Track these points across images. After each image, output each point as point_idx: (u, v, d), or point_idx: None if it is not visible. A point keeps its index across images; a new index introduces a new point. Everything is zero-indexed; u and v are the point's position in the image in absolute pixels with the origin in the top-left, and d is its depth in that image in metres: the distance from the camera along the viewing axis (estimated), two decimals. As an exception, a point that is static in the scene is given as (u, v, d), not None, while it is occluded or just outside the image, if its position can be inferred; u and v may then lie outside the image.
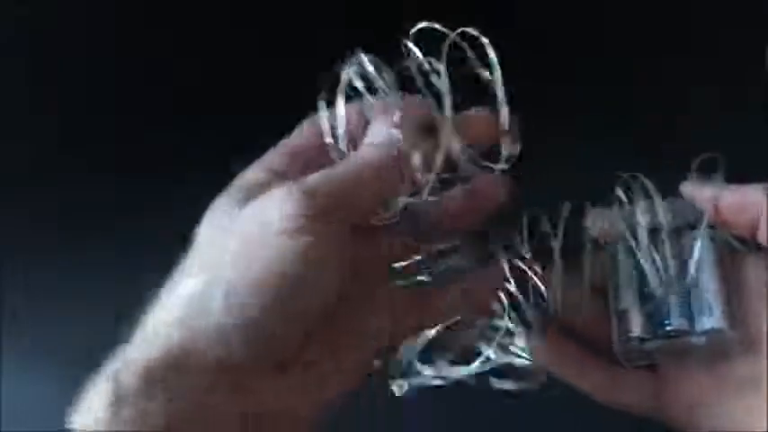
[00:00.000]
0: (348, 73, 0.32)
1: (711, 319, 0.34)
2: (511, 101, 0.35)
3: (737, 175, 0.53)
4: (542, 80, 0.57)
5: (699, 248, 0.36)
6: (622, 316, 0.36)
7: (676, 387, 0.36)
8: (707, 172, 0.37)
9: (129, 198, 0.58)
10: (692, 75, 0.56)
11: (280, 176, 0.30)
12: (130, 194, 0.58)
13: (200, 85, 0.59)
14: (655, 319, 0.35)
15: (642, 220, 0.37)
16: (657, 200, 0.37)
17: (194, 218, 0.57)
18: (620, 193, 0.38)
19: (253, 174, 0.32)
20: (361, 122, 0.31)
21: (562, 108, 0.56)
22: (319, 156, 0.31)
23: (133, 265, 0.56)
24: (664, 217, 0.36)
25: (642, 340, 0.35)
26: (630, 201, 0.38)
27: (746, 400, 0.33)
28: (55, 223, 0.58)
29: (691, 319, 0.35)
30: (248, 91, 0.59)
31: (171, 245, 0.57)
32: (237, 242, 0.28)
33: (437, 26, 0.33)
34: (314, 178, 0.28)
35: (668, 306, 0.35)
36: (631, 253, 0.37)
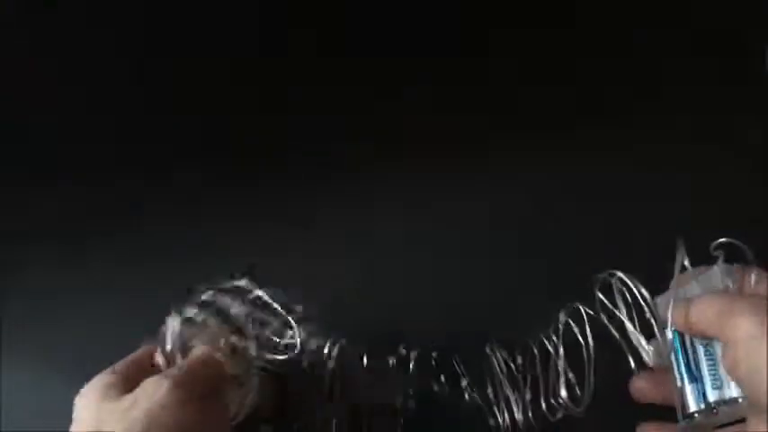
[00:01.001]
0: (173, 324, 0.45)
1: (737, 389, 0.36)
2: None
3: (737, 175, 0.54)
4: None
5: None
6: (681, 393, 0.39)
7: None
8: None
9: (128, 200, 0.58)
10: (692, 75, 0.56)
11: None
12: (130, 196, 0.58)
13: (200, 85, 0.59)
14: (701, 394, 0.38)
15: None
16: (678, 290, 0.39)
17: (194, 218, 0.58)
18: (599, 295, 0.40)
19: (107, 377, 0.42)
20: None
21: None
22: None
23: (133, 266, 0.56)
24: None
25: (697, 413, 0.38)
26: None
27: None
28: (55, 224, 0.58)
29: (722, 388, 0.37)
30: (249, 92, 0.59)
31: (170, 246, 0.57)
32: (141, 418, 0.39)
33: None
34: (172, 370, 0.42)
35: (706, 380, 0.38)
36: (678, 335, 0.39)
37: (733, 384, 0.36)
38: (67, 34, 0.59)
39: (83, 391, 0.42)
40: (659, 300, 0.39)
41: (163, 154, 0.58)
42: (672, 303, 0.38)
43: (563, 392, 0.42)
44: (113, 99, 0.60)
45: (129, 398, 0.40)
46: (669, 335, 0.39)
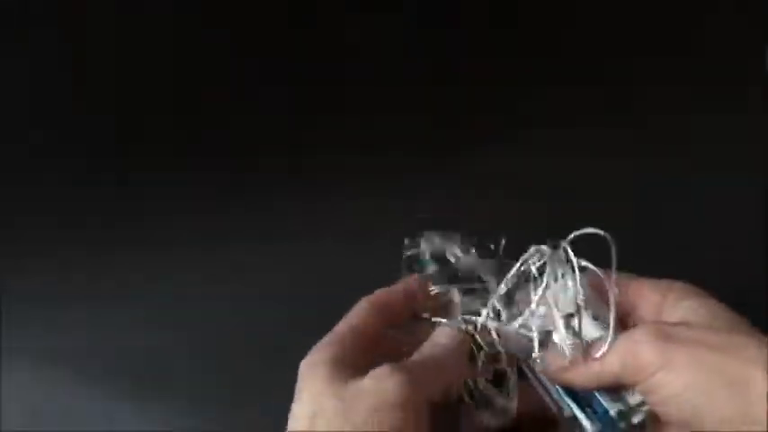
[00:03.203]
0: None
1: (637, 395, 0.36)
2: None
3: (737, 175, 0.54)
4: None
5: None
6: (573, 422, 0.38)
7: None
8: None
9: (129, 198, 0.58)
10: (692, 74, 0.56)
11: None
12: (131, 195, 0.58)
13: (200, 85, 0.59)
14: (596, 413, 0.37)
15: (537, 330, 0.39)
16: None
17: (193, 218, 0.58)
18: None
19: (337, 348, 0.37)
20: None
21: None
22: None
23: (133, 265, 0.56)
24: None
25: None
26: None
27: None
28: (55, 223, 0.58)
29: (622, 399, 0.37)
30: (250, 91, 0.59)
31: (171, 246, 0.57)
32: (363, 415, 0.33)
33: None
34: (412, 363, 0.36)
35: (599, 397, 0.37)
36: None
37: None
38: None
39: (310, 360, 0.36)
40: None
41: (164, 153, 0.58)
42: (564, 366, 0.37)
43: None
44: (114, 98, 0.60)
45: (354, 387, 0.34)
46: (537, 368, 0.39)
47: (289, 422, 0.34)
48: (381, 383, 0.33)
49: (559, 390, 0.38)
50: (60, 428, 0.51)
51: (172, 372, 0.52)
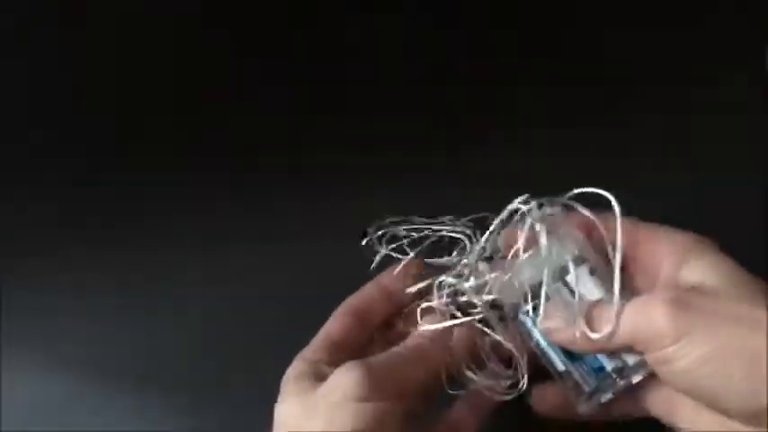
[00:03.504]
0: None
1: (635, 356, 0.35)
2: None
3: (737, 175, 0.54)
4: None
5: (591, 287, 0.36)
6: (566, 376, 0.37)
7: (646, 398, 0.37)
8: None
9: (129, 198, 0.58)
10: (692, 74, 0.56)
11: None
12: (131, 195, 0.58)
13: (200, 85, 0.59)
14: (591, 369, 0.36)
15: (526, 281, 0.36)
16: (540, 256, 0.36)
17: (193, 218, 0.58)
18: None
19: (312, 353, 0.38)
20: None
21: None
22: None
23: (133, 265, 0.56)
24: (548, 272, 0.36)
25: (595, 392, 0.36)
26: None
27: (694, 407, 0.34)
28: (55, 223, 0.58)
29: (619, 357, 0.35)
30: (249, 91, 0.59)
31: (171, 246, 0.57)
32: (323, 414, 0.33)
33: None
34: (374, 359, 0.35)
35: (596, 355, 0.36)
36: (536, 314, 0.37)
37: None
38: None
39: (287, 374, 0.36)
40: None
41: (164, 153, 0.58)
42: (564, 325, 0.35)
43: None
44: (114, 98, 0.60)
45: (320, 388, 0.34)
46: (522, 320, 0.37)
47: None
48: (340, 379, 0.33)
49: (548, 346, 0.37)
50: (60, 428, 0.51)
51: (172, 372, 0.52)
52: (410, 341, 0.37)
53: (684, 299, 0.32)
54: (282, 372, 0.38)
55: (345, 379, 0.33)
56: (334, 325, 0.39)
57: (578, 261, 0.36)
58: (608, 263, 0.36)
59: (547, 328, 0.36)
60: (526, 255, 0.36)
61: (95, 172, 0.59)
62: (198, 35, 0.58)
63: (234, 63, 0.59)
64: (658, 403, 0.36)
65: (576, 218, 0.37)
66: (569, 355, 0.36)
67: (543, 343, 0.37)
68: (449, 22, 0.58)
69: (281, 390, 0.36)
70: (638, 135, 0.55)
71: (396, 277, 0.40)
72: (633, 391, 0.36)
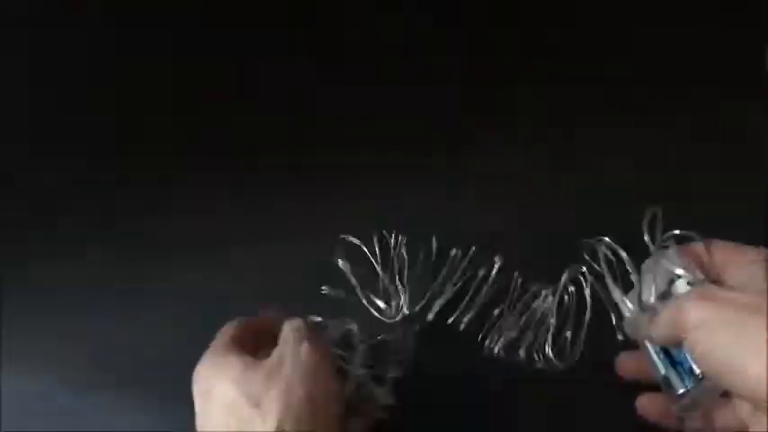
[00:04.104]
0: None
1: None
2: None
3: (738, 175, 0.54)
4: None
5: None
6: (666, 382, 0.40)
7: (737, 407, 0.39)
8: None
9: (129, 198, 0.58)
10: (692, 74, 0.56)
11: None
12: (131, 195, 0.58)
13: (201, 85, 0.59)
14: (686, 372, 0.39)
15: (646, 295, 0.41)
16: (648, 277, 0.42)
17: (194, 218, 0.58)
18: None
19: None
20: None
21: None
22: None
23: (133, 265, 0.56)
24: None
25: (687, 392, 0.39)
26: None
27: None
28: (55, 223, 0.58)
29: None
30: (249, 91, 0.59)
31: (170, 245, 0.57)
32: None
33: None
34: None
35: (686, 357, 0.39)
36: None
37: None
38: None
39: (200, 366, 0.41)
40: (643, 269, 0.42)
41: (164, 153, 0.58)
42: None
43: (547, 349, 0.47)
44: (114, 98, 0.60)
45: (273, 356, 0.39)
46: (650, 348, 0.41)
47: None
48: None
49: (655, 353, 0.40)
50: (60, 428, 0.51)
51: (172, 372, 0.52)
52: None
53: (711, 291, 0.37)
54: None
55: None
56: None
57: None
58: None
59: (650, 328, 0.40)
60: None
61: (95, 172, 0.59)
62: (198, 35, 0.58)
63: (234, 63, 0.59)
64: (748, 415, 0.38)
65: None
66: (671, 361, 0.40)
67: (652, 352, 0.41)
68: (449, 22, 0.58)
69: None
70: (638, 135, 0.55)
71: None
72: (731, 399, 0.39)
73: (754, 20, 0.55)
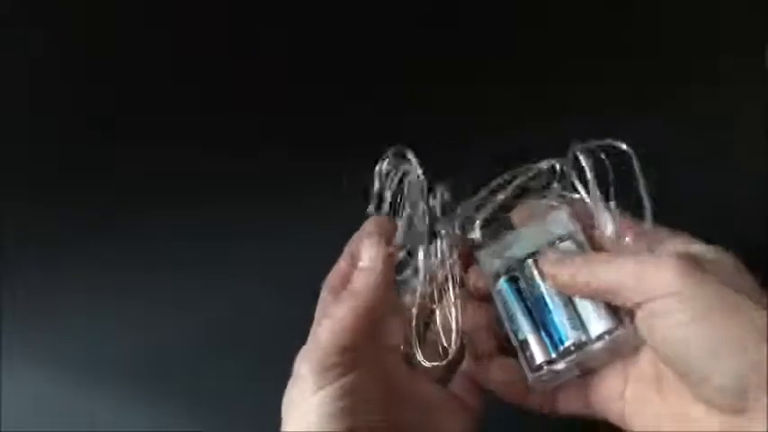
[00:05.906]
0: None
1: (601, 323, 0.35)
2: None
3: (737, 174, 0.54)
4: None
5: None
6: (524, 346, 0.37)
7: (599, 390, 0.36)
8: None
9: (129, 197, 0.58)
10: (692, 74, 0.56)
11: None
12: (130, 194, 0.58)
13: (201, 85, 0.59)
14: (552, 341, 0.36)
15: (517, 252, 0.38)
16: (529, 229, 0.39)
17: (194, 218, 0.58)
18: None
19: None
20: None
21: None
22: None
23: (133, 265, 0.56)
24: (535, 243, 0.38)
25: (549, 363, 0.36)
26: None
27: (657, 393, 0.34)
28: (55, 223, 0.58)
29: (583, 329, 0.36)
30: (249, 91, 0.59)
31: (171, 245, 0.57)
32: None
33: None
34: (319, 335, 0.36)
35: (559, 324, 0.36)
36: (515, 283, 0.38)
37: (604, 316, 0.35)
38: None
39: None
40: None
41: (163, 153, 0.58)
42: (557, 261, 0.36)
43: None
44: (113, 98, 0.60)
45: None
46: (500, 285, 0.38)
47: None
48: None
49: (517, 314, 0.37)
50: (60, 428, 0.51)
51: (172, 372, 0.52)
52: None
53: (696, 262, 0.32)
54: (282, 369, 0.38)
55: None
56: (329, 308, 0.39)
57: (566, 238, 0.38)
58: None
59: (549, 260, 0.36)
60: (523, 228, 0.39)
61: (95, 172, 0.59)
62: (198, 34, 0.58)
63: (233, 64, 0.59)
64: (614, 400, 0.35)
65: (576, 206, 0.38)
66: (534, 324, 0.37)
67: (516, 306, 0.37)
68: (449, 22, 0.58)
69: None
70: (637, 134, 0.55)
71: (359, 240, 0.41)
72: (587, 381, 0.36)
73: (755, 20, 0.55)
